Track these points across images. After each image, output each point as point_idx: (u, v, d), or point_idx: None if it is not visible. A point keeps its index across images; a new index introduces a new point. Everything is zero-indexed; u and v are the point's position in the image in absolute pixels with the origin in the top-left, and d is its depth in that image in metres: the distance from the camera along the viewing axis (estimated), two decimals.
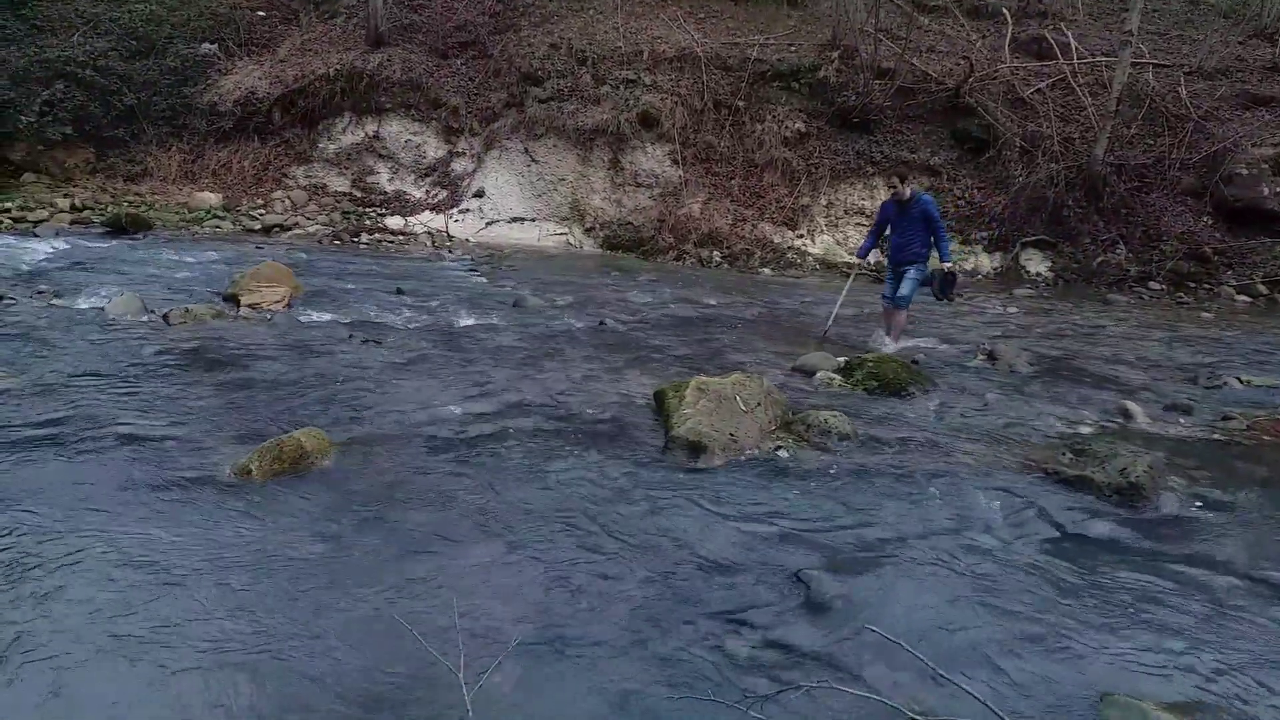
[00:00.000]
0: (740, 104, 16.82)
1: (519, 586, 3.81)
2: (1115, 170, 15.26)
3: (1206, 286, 14.24)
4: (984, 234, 15.45)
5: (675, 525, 4.53)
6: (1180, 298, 14.00)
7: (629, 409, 6.45)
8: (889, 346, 8.91)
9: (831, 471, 5.34)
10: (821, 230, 15.78)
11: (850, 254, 15.41)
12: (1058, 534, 4.77)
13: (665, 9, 19.13)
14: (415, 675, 3.10)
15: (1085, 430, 6.56)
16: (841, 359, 7.78)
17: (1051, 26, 18.29)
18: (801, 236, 15.61)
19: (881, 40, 17.18)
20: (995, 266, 15.16)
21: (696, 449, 5.44)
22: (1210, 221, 15.00)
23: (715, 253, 15.03)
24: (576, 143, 16.62)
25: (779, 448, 5.62)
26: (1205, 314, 12.89)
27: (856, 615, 3.74)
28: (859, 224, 15.86)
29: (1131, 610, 3.89)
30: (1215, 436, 6.57)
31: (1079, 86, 16.36)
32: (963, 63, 16.86)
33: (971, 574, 4.19)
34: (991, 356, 8.64)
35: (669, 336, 9.08)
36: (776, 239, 15.49)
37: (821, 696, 3.00)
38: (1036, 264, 15.05)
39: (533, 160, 16.80)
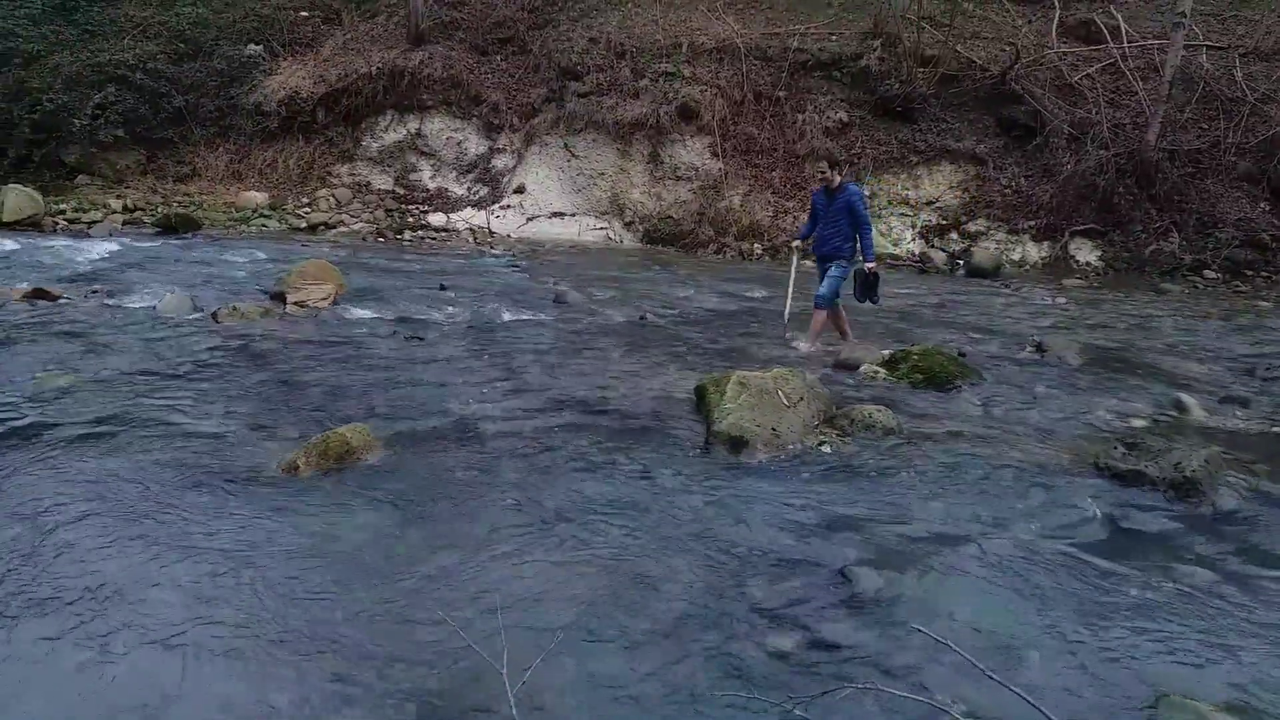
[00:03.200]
0: (781, 94, 16.69)
1: (562, 582, 3.82)
2: (1168, 156, 14.88)
3: (1264, 275, 13.85)
4: (1031, 223, 15.17)
5: (717, 520, 4.50)
6: (1237, 286, 13.62)
7: (670, 404, 6.43)
8: (801, 348, 8.20)
9: (876, 467, 5.27)
10: None
11: (893, 245, 15.22)
12: (1110, 530, 4.66)
13: (704, 1, 19.03)
14: (459, 671, 3.12)
15: (1138, 424, 6.41)
16: (886, 352, 7.69)
17: (1100, 9, 17.87)
18: None
19: (924, 27, 16.92)
20: (1043, 256, 14.88)
21: (738, 444, 5.40)
22: (1268, 208, 14.56)
23: (756, 245, 14.94)
24: (616, 137, 16.61)
25: (822, 443, 5.56)
26: (1263, 303, 12.53)
27: (902, 613, 3.69)
28: (902, 214, 15.67)
29: (1187, 609, 3.79)
30: (1274, 430, 6.38)
31: (1129, 71, 15.98)
32: (1008, 48, 16.55)
33: (1020, 571, 4.11)
34: (1040, 348, 8.47)
35: (710, 331, 9.04)
36: None
37: (868, 696, 2.96)
38: (1086, 253, 14.74)
39: (572, 155, 16.83)
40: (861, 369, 7.31)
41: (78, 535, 3.99)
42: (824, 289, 8.11)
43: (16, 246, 12.14)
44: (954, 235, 15.34)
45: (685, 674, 3.20)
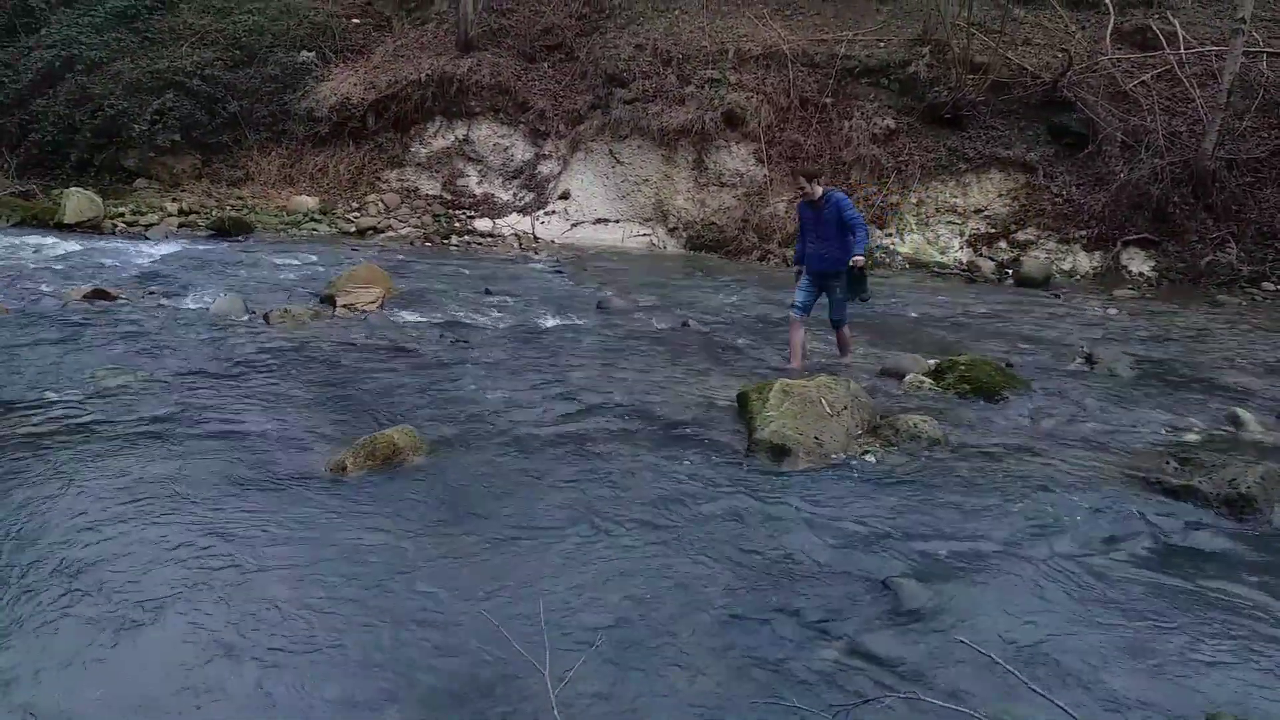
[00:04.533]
0: (827, 101, 16.60)
1: (603, 585, 3.84)
2: (1226, 165, 14.53)
3: None
4: (1082, 232, 14.90)
5: (759, 528, 4.50)
6: None
7: (711, 410, 6.43)
8: (844, 361, 7.93)
9: (921, 478, 5.23)
10: (911, 229, 15.45)
11: (940, 253, 15.06)
12: (1161, 546, 4.57)
13: (751, 7, 19.01)
14: (501, 671, 3.16)
15: (1192, 438, 6.27)
16: (932, 361, 7.61)
17: (1156, 15, 17.53)
18: (890, 235, 15.32)
19: (975, 34, 16.73)
20: (1094, 266, 14.61)
21: (780, 452, 5.39)
22: None
23: None
24: (661, 143, 16.65)
25: (866, 452, 5.53)
26: None
27: (946, 625, 3.66)
28: (950, 222, 15.49)
29: (1239, 626, 3.71)
30: None
31: (1186, 78, 15.64)
32: (1061, 55, 16.30)
33: (1068, 585, 4.05)
34: (1090, 360, 8.33)
35: (752, 337, 9.02)
36: None
37: (911, 708, 2.94)
38: (1138, 264, 14.45)
39: (617, 162, 16.90)
40: (907, 378, 7.25)
41: (133, 530, 4.10)
42: (835, 313, 7.76)
43: (78, 248, 12.49)
44: (1002, 244, 15.13)
45: (725, 681, 3.21)
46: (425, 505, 4.55)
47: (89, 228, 14.66)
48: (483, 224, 16.69)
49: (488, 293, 10.74)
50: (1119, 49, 16.71)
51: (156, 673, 3.15)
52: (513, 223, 16.69)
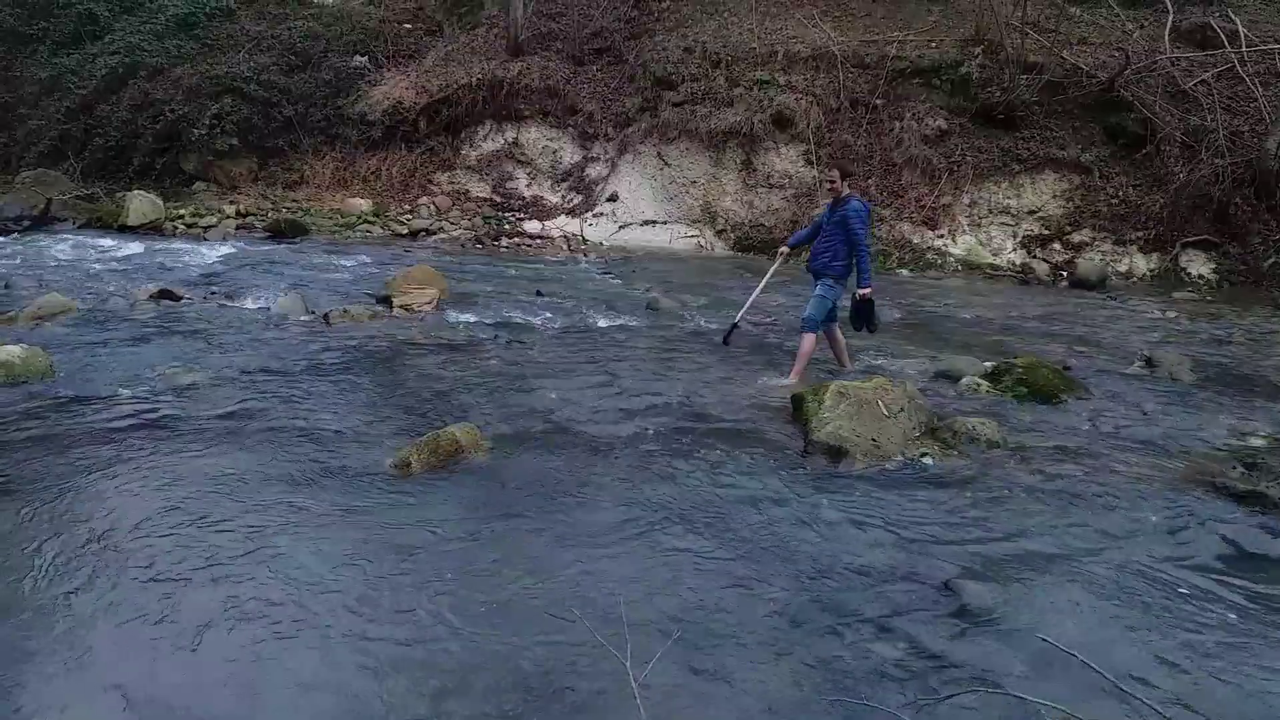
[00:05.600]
0: (878, 102, 16.48)
1: (667, 583, 3.89)
2: None
3: None
4: (1139, 234, 14.62)
5: (818, 529, 4.51)
6: None
7: (765, 411, 6.45)
8: (785, 380, 7.16)
9: (980, 480, 5.20)
10: (964, 230, 15.28)
11: (993, 255, 14.87)
12: (1227, 551, 4.51)
13: (801, 8, 18.92)
14: (576, 661, 3.22)
15: (1257, 443, 6.16)
16: (988, 363, 7.54)
17: (1217, 13, 17.13)
18: (942, 236, 15.15)
19: (1029, 33, 16.50)
20: (1151, 268, 14.32)
21: (837, 453, 5.40)
22: None
23: None
24: (709, 145, 16.64)
25: (924, 454, 5.51)
26: None
27: (1011, 627, 3.65)
28: (1003, 224, 15.28)
29: None
30: None
31: (1248, 76, 15.27)
32: (1118, 54, 16.00)
33: (1133, 590, 4.02)
34: (1150, 363, 8.19)
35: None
36: (915, 239, 15.10)
37: (981, 706, 2.94)
38: (1198, 266, 14.14)
39: (665, 163, 16.93)
40: (963, 381, 7.19)
41: (204, 524, 4.24)
42: (808, 309, 7.29)
43: (141, 249, 12.84)
44: (1057, 246, 14.90)
45: (790, 677, 3.24)
46: (489, 502, 4.63)
47: (151, 229, 15.03)
48: (532, 226, 16.82)
49: (539, 294, 10.84)
50: (1178, 47, 16.36)
51: (230, 658, 3.26)
52: (561, 224, 16.80)
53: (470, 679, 3.15)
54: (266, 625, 3.45)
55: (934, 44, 17.39)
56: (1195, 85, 15.54)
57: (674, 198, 16.70)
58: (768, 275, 7.96)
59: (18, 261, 11.40)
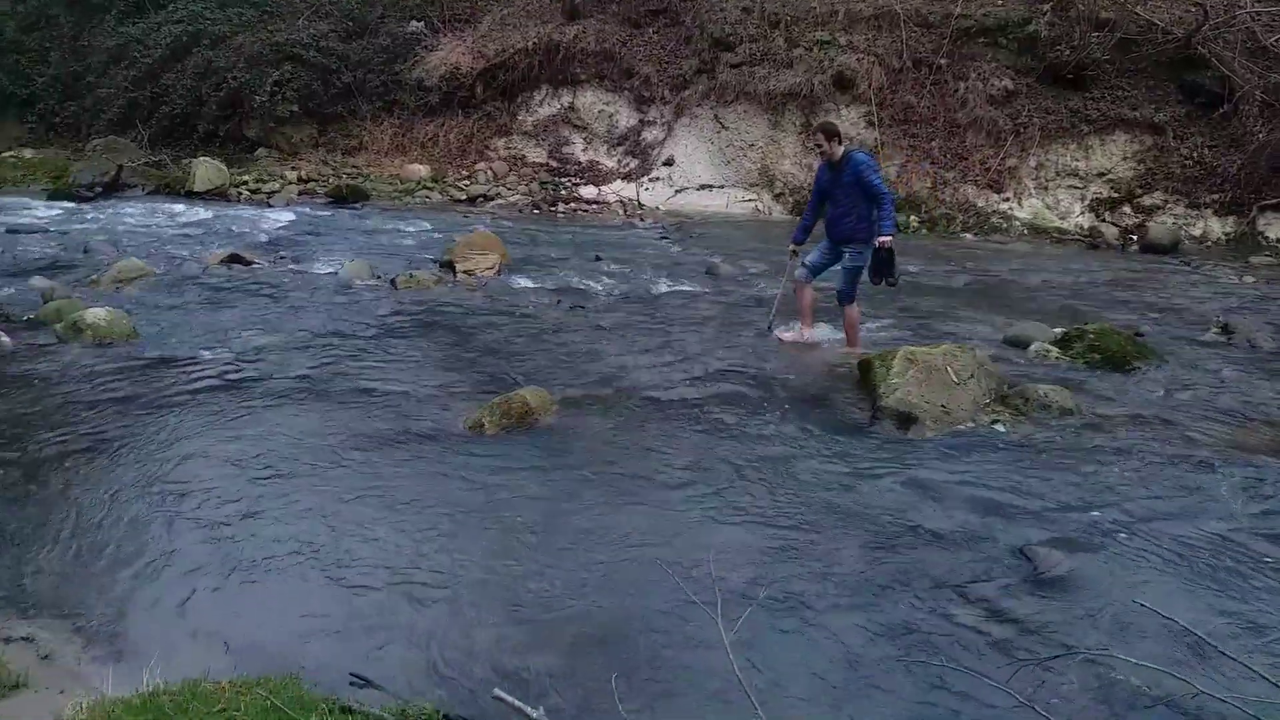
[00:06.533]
0: (942, 62, 16.08)
1: (745, 543, 3.94)
2: None
3: None
4: (1214, 196, 14.13)
5: (890, 495, 4.51)
6: None
7: (832, 378, 6.43)
8: (805, 335, 7.20)
9: (1053, 448, 5.14)
10: (1029, 193, 14.90)
11: (1060, 219, 14.51)
12: None
13: None
14: (662, 616, 3.30)
15: None
16: (1058, 330, 7.40)
17: None
18: (1007, 200, 14.80)
19: None
20: (1226, 232, 13.86)
21: (907, 420, 5.37)
22: None
23: (913, 217, 14.50)
24: (767, 107, 16.42)
25: (995, 421, 5.45)
26: None
27: (1088, 593, 3.63)
28: (1071, 186, 14.87)
29: None
30: None
31: None
32: (1195, 9, 15.38)
33: (1213, 558, 3.95)
34: (1227, 330, 7.95)
35: (868, 304, 8.84)
36: (980, 202, 14.78)
37: (1064, 670, 2.94)
38: (1277, 229, 13.64)
39: (722, 127, 16.76)
40: (1032, 347, 7.07)
41: (287, 482, 4.38)
42: (840, 283, 7.01)
43: (208, 215, 13.13)
44: (1127, 209, 14.47)
45: (871, 639, 3.26)
46: (563, 462, 4.71)
47: (216, 195, 15.35)
48: (588, 191, 16.81)
49: (598, 259, 10.86)
50: (1260, 2, 15.67)
51: (318, 610, 3.39)
52: (618, 189, 16.76)
53: (557, 632, 3.24)
54: (352, 579, 3.57)
55: (1000, 2, 16.88)
56: (1277, 41, 14.89)
57: (731, 161, 16.55)
58: (786, 276, 7.68)
59: (94, 227, 11.73)
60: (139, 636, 3.20)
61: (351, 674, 2.86)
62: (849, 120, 16.03)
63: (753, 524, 4.13)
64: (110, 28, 20.07)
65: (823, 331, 7.42)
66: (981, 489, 4.59)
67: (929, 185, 15.03)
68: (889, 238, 6.62)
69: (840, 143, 6.88)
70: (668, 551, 3.79)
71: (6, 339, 6.33)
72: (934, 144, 15.44)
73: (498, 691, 2.44)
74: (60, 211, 12.98)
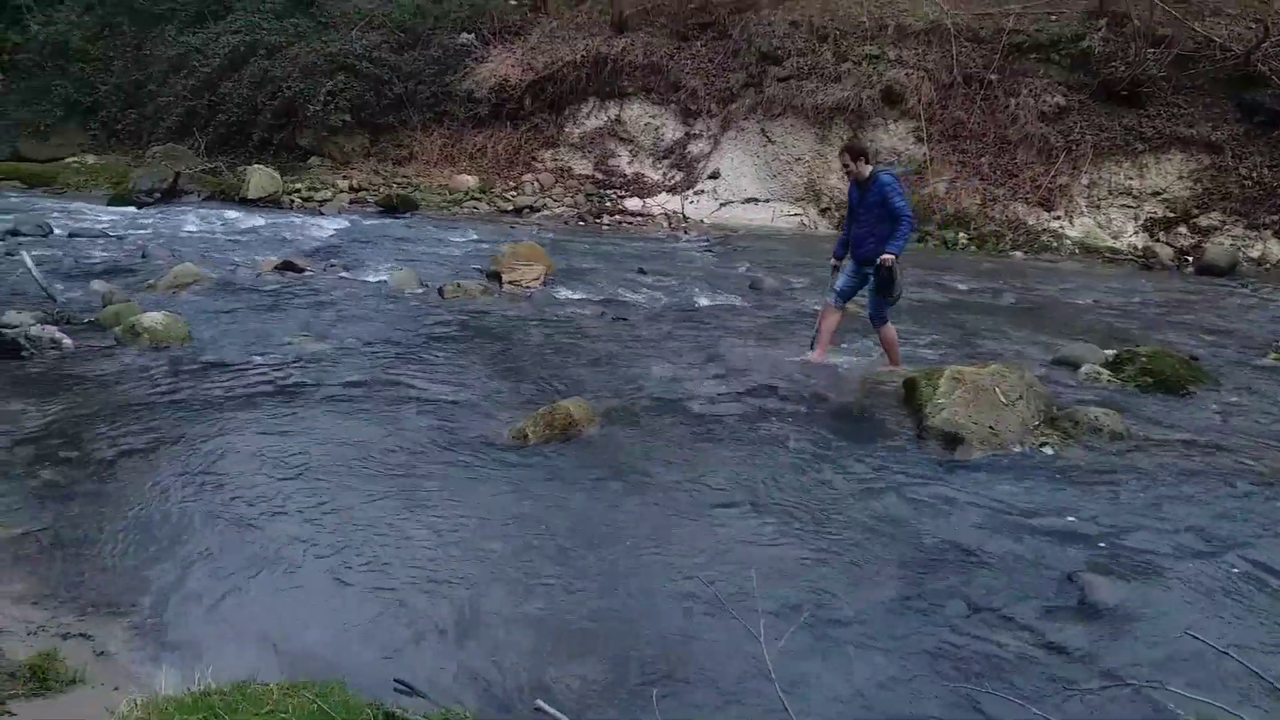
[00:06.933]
0: (993, 77, 15.92)
1: (785, 561, 3.91)
2: None
3: None
4: (1274, 217, 13.79)
5: (934, 516, 4.46)
6: None
7: (876, 395, 6.37)
8: (882, 369, 6.88)
9: (1103, 472, 5.04)
10: (1081, 211, 14.67)
11: (1113, 238, 14.26)
12: None
13: None
14: (701, 631, 3.29)
15: None
16: (1109, 351, 7.28)
17: None
18: (1059, 218, 14.58)
19: (1158, 4, 15.67)
20: None
21: (953, 440, 5.30)
22: None
23: (961, 234, 14.37)
24: (814, 121, 16.38)
25: (1044, 444, 5.37)
26: None
27: (1139, 622, 3.55)
28: (1124, 205, 14.61)
29: None
30: None
31: None
32: (1255, 25, 15.06)
33: (1272, 591, 3.84)
34: None
35: (914, 322, 8.81)
36: (1030, 220, 14.57)
37: (1111, 703, 2.89)
38: None
39: (769, 140, 16.75)
40: (1083, 369, 6.96)
41: (336, 486, 4.45)
42: (871, 308, 6.91)
43: (262, 222, 13.43)
44: (1182, 229, 14.18)
45: (914, 661, 3.23)
46: (605, 474, 4.73)
47: (269, 203, 15.68)
48: (633, 203, 16.89)
49: (641, 271, 10.89)
50: None
51: (362, 613, 3.44)
52: (662, 202, 16.82)
53: (597, 644, 3.25)
54: (395, 584, 3.61)
55: (1054, 16, 16.68)
56: None
57: (777, 175, 16.52)
58: (826, 290, 7.34)
59: (152, 232, 12.05)
60: (190, 636, 3.27)
61: (395, 680, 2.89)
62: (897, 135, 15.95)
63: (794, 541, 4.10)
64: (171, 37, 20.62)
65: (842, 356, 7.26)
66: (1028, 512, 4.52)
67: (978, 202, 14.86)
68: (891, 256, 6.50)
69: (868, 162, 6.82)
70: (709, 567, 3.79)
71: (68, 340, 6.53)
72: (984, 160, 15.28)
73: (539, 702, 2.46)
74: (120, 216, 13.36)
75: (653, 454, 5.06)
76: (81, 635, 3.23)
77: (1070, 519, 4.46)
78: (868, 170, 6.74)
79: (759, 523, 4.27)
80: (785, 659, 2.89)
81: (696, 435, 5.41)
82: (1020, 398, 5.67)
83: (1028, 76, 15.89)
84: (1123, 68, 15.28)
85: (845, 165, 6.88)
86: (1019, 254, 13.84)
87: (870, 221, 6.68)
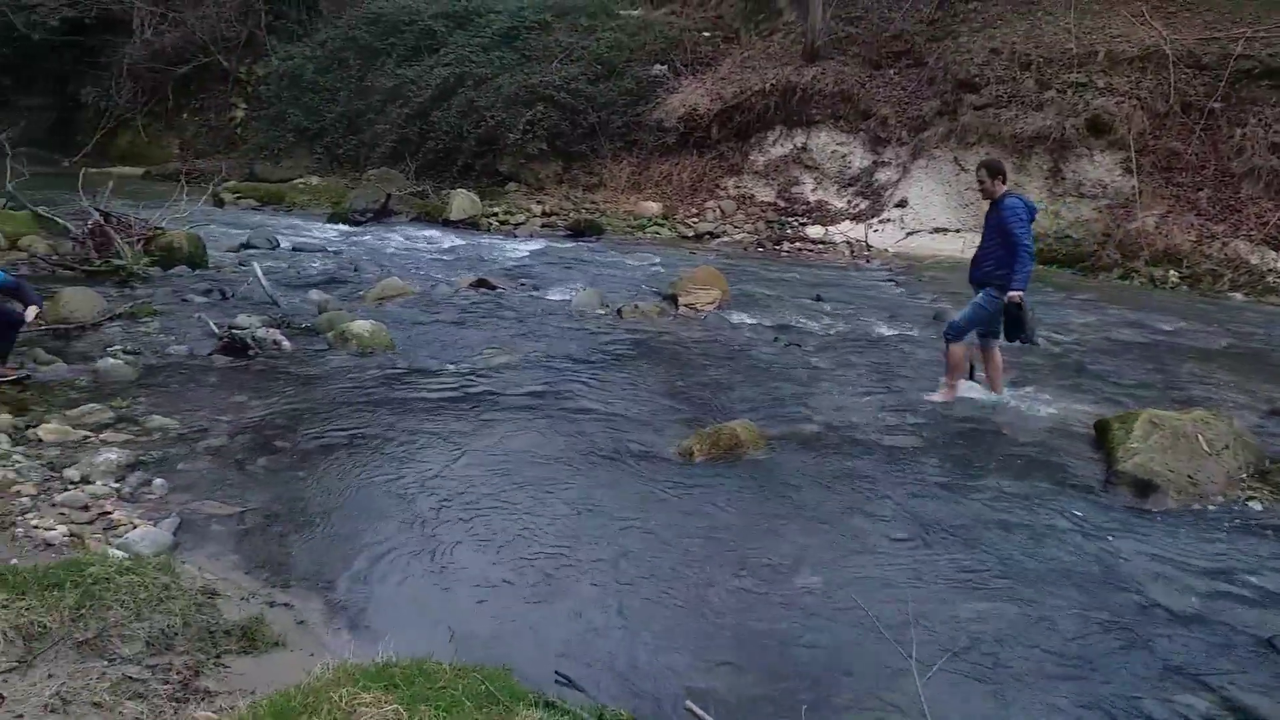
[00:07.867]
0: (1215, 106, 14.75)
1: (950, 595, 3.82)
2: None
3: None
4: None
5: (1119, 566, 4.21)
6: None
7: (1064, 436, 6.05)
8: (934, 397, 6.67)
9: None
10: None
11: None
12: None
13: (1128, 4, 17.35)
14: (856, 653, 3.29)
15: None
16: None
17: None
18: None
19: None
20: None
21: (1146, 488, 4.98)
22: None
23: (1172, 272, 13.36)
24: (1012, 151, 15.69)
25: (1251, 498, 4.95)
26: None
27: None
28: None
29: None
30: None
31: None
32: None
33: None
34: None
35: (1112, 362, 8.30)
36: (1254, 259, 13.34)
37: None
38: None
39: (961, 169, 16.19)
40: None
41: (515, 490, 4.73)
42: (956, 316, 6.82)
43: (461, 242, 14.32)
44: None
45: (1079, 710, 3.07)
46: (768, 495, 4.78)
47: (469, 224, 16.66)
48: (814, 231, 16.75)
49: (818, 298, 10.79)
50: None
51: (523, 609, 3.63)
52: (845, 230, 16.59)
53: (750, 657, 3.30)
54: (560, 584, 3.81)
55: None
56: None
57: (968, 205, 15.94)
58: None
59: (363, 249, 13.10)
60: (376, 612, 3.58)
61: (557, 673, 3.05)
62: (1103, 166, 15.05)
63: (960, 578, 3.99)
64: (390, 70, 22.35)
65: (1027, 394, 6.89)
66: (1227, 570, 4.19)
67: (1193, 238, 13.79)
68: (1019, 293, 6.34)
69: (1004, 182, 6.67)
70: (868, 594, 3.74)
71: (287, 343, 7.24)
72: (1201, 194, 14.17)
73: (689, 704, 2.53)
74: (337, 233, 14.61)
75: (817, 480, 5.05)
76: (285, 605, 3.60)
77: (1274, 580, 4.09)
78: (1001, 189, 6.61)
79: (923, 557, 4.18)
80: (939, 692, 2.84)
81: (863, 465, 5.34)
82: (1226, 447, 5.26)
83: (1257, 105, 14.61)
84: None
85: (981, 181, 6.79)
86: (1239, 295, 12.70)
87: (990, 243, 6.62)
